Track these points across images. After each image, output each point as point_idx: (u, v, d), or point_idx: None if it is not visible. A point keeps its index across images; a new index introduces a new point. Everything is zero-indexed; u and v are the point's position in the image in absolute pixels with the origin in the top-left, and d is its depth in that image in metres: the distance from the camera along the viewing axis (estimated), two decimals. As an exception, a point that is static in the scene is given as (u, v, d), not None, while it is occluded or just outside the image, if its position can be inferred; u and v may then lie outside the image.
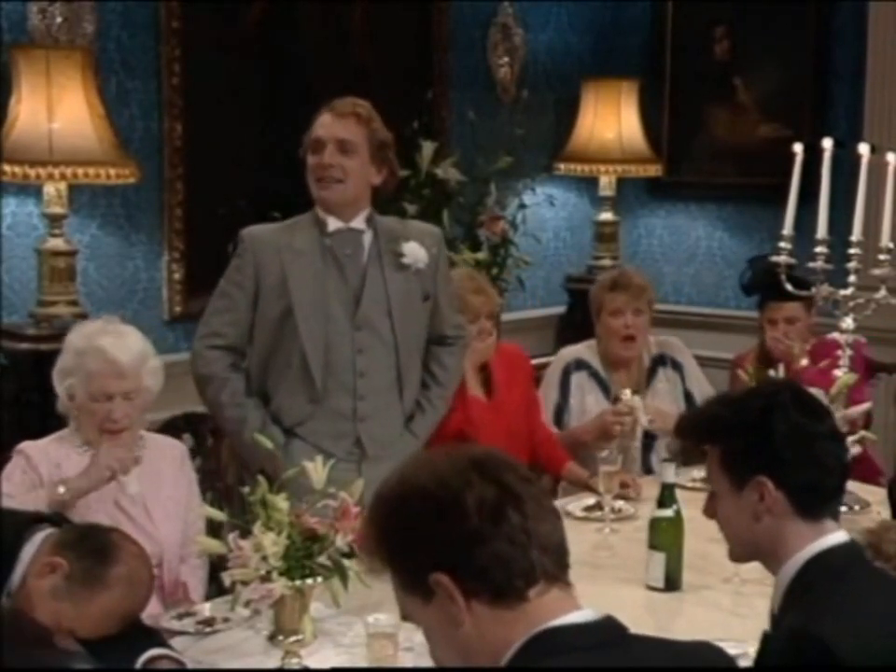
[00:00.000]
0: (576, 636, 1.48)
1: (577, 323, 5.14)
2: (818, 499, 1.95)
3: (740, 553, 2.05)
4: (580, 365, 3.89)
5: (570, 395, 3.87)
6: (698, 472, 3.67)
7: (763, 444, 1.93)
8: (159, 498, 2.88)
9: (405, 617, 1.57)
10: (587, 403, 3.86)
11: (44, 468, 2.80)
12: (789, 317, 3.98)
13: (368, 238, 3.14)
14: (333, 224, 3.11)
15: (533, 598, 1.48)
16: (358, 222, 3.13)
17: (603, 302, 3.88)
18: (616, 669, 1.49)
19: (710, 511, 2.04)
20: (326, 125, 3.07)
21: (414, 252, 3.14)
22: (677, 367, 3.94)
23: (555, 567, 1.51)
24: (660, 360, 3.94)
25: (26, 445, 2.86)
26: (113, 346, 2.83)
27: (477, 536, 1.47)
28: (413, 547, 1.51)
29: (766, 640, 1.83)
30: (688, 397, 3.90)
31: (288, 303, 3.05)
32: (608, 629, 1.51)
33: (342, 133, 3.05)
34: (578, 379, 3.88)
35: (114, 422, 2.83)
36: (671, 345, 4.00)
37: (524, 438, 3.63)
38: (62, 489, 2.69)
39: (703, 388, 3.92)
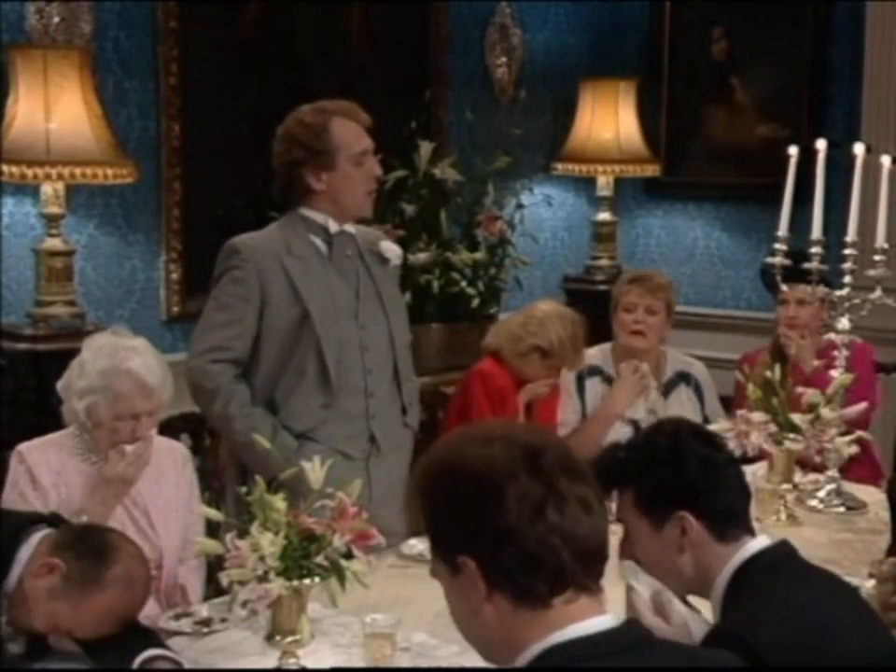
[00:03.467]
0: (593, 646, 1.46)
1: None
2: (733, 523, 2.02)
3: (674, 589, 2.05)
4: (592, 371, 3.89)
5: (587, 400, 3.87)
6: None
7: (677, 479, 2.00)
8: (158, 502, 2.86)
9: (433, 573, 1.56)
10: None
11: (45, 477, 2.77)
12: (801, 298, 3.91)
13: (354, 239, 3.19)
14: (334, 227, 3.13)
15: (557, 605, 1.46)
16: (350, 225, 3.18)
17: (619, 296, 3.88)
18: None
19: (626, 553, 2.07)
20: (364, 137, 3.10)
21: (393, 249, 3.23)
22: (698, 391, 3.93)
23: (586, 575, 1.48)
24: (684, 378, 3.93)
25: (26, 449, 2.82)
26: (141, 368, 2.78)
27: (510, 532, 1.44)
28: (448, 523, 1.50)
29: (702, 644, 1.86)
30: (706, 422, 3.87)
31: (303, 310, 3.04)
32: (626, 636, 1.50)
33: (371, 144, 3.12)
34: (592, 385, 3.88)
35: (137, 440, 2.77)
36: (699, 370, 3.98)
37: None
38: (84, 518, 2.66)
39: (717, 418, 3.85)
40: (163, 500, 2.86)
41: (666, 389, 3.89)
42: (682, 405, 3.88)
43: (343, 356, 3.08)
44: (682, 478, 2.00)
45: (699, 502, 1.99)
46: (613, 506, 2.07)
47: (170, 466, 2.93)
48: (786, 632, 1.80)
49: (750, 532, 2.04)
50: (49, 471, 2.78)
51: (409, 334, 3.31)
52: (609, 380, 3.86)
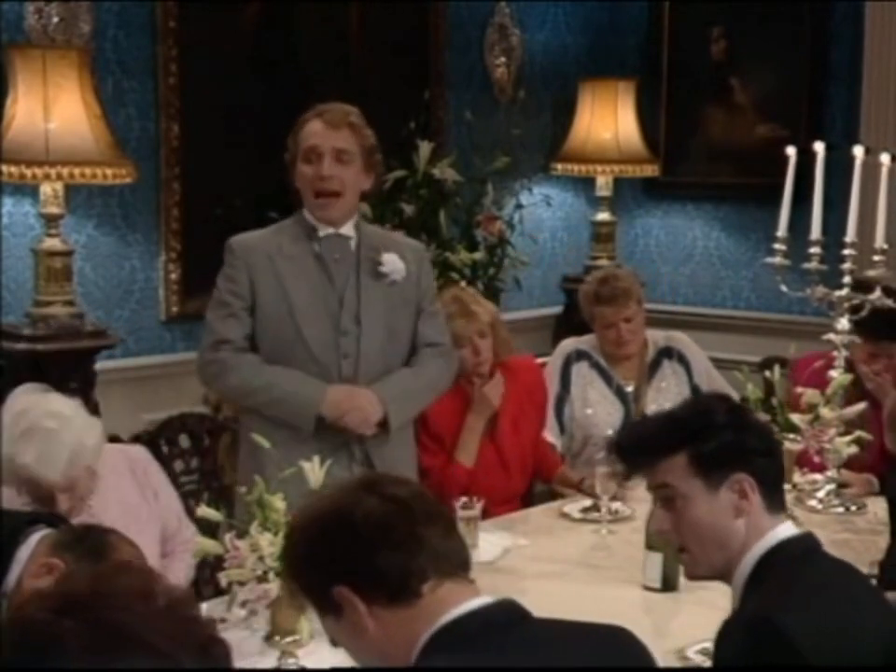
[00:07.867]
0: (473, 624, 1.56)
1: (574, 323, 5.13)
2: (780, 491, 2.03)
3: (709, 564, 2.00)
4: (581, 356, 3.89)
5: (572, 385, 3.86)
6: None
7: (739, 441, 1.98)
8: (111, 516, 2.74)
9: (333, 642, 1.67)
10: (589, 393, 3.86)
11: None
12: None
13: (353, 244, 3.14)
14: (324, 230, 3.11)
15: (427, 594, 1.58)
16: (347, 228, 3.14)
17: (592, 315, 3.88)
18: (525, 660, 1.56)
19: (672, 523, 2.00)
20: (320, 134, 3.05)
21: (393, 263, 3.11)
22: (683, 361, 3.92)
23: (449, 566, 1.60)
24: (666, 353, 3.93)
25: None
26: (37, 462, 2.64)
27: (367, 546, 1.59)
28: (315, 567, 1.63)
29: (724, 627, 1.85)
30: (695, 392, 3.86)
31: (288, 308, 3.05)
32: (505, 612, 1.60)
33: (339, 143, 3.04)
34: (579, 369, 3.88)
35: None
36: (678, 340, 3.99)
37: (523, 461, 3.62)
38: None
39: (713, 384, 3.89)
40: (113, 514, 2.76)
41: (651, 369, 3.90)
42: (668, 380, 3.89)
43: (323, 358, 3.07)
44: (743, 440, 1.98)
45: (758, 466, 1.97)
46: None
47: (118, 475, 2.89)
48: (814, 617, 1.79)
49: (785, 507, 2.05)
50: None
51: (398, 351, 3.14)
52: (596, 366, 3.86)
